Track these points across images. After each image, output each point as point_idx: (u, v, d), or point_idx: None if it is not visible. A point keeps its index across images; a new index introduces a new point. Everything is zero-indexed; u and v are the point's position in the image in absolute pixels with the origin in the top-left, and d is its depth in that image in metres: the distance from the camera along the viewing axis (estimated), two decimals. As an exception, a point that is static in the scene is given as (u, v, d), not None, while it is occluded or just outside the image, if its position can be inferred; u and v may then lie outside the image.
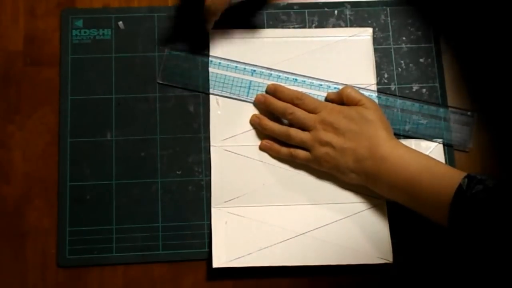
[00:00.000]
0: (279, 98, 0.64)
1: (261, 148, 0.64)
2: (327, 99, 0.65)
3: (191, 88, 0.65)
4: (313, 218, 0.62)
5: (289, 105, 0.63)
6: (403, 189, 0.57)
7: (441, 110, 0.66)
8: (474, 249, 0.56)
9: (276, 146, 0.63)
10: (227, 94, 0.65)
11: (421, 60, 0.68)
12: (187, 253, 0.62)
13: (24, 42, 0.66)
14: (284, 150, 0.63)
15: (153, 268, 0.62)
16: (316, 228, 0.62)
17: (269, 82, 0.65)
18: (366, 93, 0.65)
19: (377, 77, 0.67)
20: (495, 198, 0.51)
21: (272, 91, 0.64)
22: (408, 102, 0.66)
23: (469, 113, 0.66)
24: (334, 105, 0.63)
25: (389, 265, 0.61)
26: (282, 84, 0.65)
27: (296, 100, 0.63)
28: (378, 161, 0.58)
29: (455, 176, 0.54)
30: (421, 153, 0.60)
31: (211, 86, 0.65)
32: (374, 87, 0.66)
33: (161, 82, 0.65)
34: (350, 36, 0.68)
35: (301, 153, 0.62)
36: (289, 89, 0.64)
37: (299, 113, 0.62)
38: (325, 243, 0.61)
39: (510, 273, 0.53)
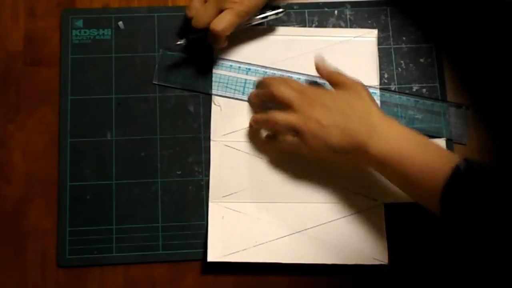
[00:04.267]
0: (264, 84, 0.64)
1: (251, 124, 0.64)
2: (315, 64, 0.62)
3: (188, 88, 0.65)
4: (311, 217, 0.62)
5: (275, 84, 0.61)
6: (394, 163, 0.54)
7: (436, 104, 0.66)
8: (467, 236, 0.54)
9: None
10: (222, 93, 0.65)
11: (421, 60, 0.68)
12: (187, 253, 0.62)
13: (24, 42, 0.66)
14: (271, 135, 0.62)
15: (153, 268, 0.62)
16: (313, 227, 0.62)
17: None
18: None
19: (377, 77, 0.67)
20: (494, 179, 0.50)
21: (257, 84, 0.65)
22: (404, 97, 0.66)
23: (463, 107, 0.65)
24: (320, 87, 0.63)
25: (385, 266, 0.61)
26: None
27: (281, 81, 0.62)
28: (368, 132, 0.56)
29: (453, 156, 0.53)
30: (415, 130, 0.57)
31: (207, 84, 0.66)
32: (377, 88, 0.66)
33: (157, 83, 0.65)
34: (355, 37, 0.68)
35: (288, 137, 0.60)
36: (272, 77, 0.64)
37: (288, 91, 0.60)
38: (321, 242, 0.61)
39: (499, 256, 0.51)
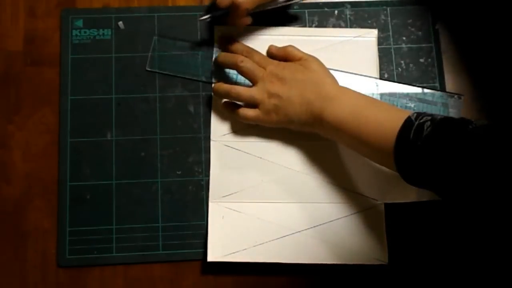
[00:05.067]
0: (230, 50, 0.65)
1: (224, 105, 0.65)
2: (268, 53, 0.66)
3: (180, 75, 0.66)
4: (310, 217, 0.62)
5: (240, 55, 0.64)
6: (348, 124, 0.57)
7: (428, 93, 0.66)
8: (422, 186, 0.54)
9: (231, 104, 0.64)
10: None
11: (421, 60, 0.68)
12: (187, 253, 0.62)
13: (24, 42, 0.66)
14: (237, 110, 0.63)
15: (153, 268, 0.62)
16: (313, 227, 0.62)
17: None
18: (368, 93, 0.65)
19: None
20: (444, 127, 0.51)
21: (224, 42, 0.65)
22: (396, 85, 0.66)
23: (456, 96, 0.65)
24: (280, 62, 0.64)
25: (385, 266, 0.61)
26: None
27: (245, 53, 0.64)
28: (324, 101, 0.59)
29: (404, 112, 0.54)
30: (368, 95, 0.60)
31: (200, 72, 0.66)
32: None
33: (149, 69, 0.66)
34: (355, 37, 0.68)
35: (250, 111, 0.62)
36: (240, 43, 0.66)
37: (249, 63, 0.63)
38: (321, 242, 0.61)
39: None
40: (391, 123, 0.54)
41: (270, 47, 0.66)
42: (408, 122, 0.52)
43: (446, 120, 0.51)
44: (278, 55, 0.65)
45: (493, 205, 0.49)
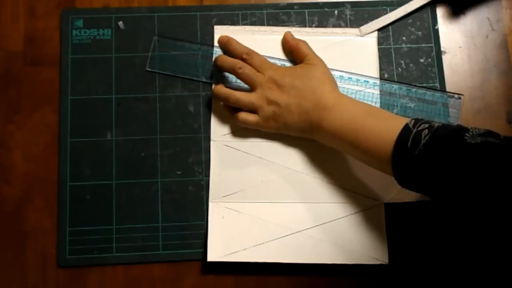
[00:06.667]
0: (230, 51, 0.65)
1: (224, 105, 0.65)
2: (283, 40, 0.66)
3: (180, 75, 0.66)
4: (310, 217, 0.62)
5: (238, 60, 0.63)
6: (347, 133, 0.57)
7: (428, 93, 0.66)
8: (420, 192, 0.54)
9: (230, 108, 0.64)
10: (219, 82, 0.65)
11: (421, 60, 0.68)
12: (187, 253, 0.62)
13: (24, 42, 0.66)
14: (236, 114, 0.63)
15: (153, 268, 0.62)
16: (313, 227, 0.62)
17: None
18: (369, 92, 0.65)
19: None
20: (442, 134, 0.51)
21: (224, 42, 0.65)
22: (395, 86, 0.66)
23: (456, 95, 0.66)
24: (280, 66, 0.64)
25: (385, 266, 0.61)
26: None
27: (245, 55, 0.63)
28: (322, 111, 0.59)
29: (401, 120, 0.55)
30: (366, 103, 0.60)
31: (200, 72, 0.66)
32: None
33: (149, 69, 0.66)
34: (355, 37, 0.68)
35: (249, 116, 0.62)
36: (240, 44, 0.65)
37: (248, 69, 0.62)
38: (321, 241, 0.61)
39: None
40: (388, 132, 0.54)
41: (287, 34, 0.66)
42: (405, 130, 0.52)
43: (443, 128, 0.51)
44: (290, 46, 0.65)
45: (488, 211, 0.49)
